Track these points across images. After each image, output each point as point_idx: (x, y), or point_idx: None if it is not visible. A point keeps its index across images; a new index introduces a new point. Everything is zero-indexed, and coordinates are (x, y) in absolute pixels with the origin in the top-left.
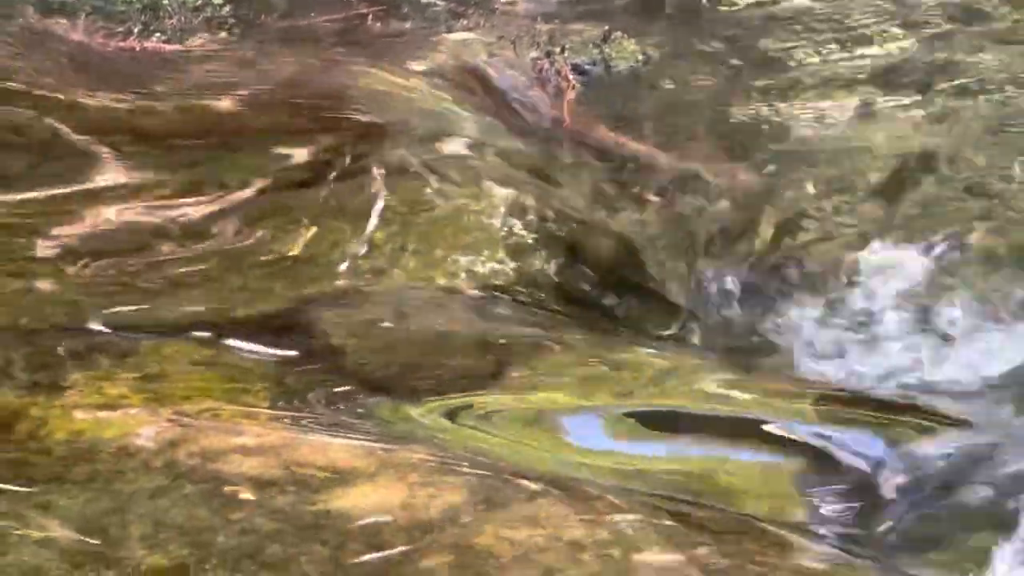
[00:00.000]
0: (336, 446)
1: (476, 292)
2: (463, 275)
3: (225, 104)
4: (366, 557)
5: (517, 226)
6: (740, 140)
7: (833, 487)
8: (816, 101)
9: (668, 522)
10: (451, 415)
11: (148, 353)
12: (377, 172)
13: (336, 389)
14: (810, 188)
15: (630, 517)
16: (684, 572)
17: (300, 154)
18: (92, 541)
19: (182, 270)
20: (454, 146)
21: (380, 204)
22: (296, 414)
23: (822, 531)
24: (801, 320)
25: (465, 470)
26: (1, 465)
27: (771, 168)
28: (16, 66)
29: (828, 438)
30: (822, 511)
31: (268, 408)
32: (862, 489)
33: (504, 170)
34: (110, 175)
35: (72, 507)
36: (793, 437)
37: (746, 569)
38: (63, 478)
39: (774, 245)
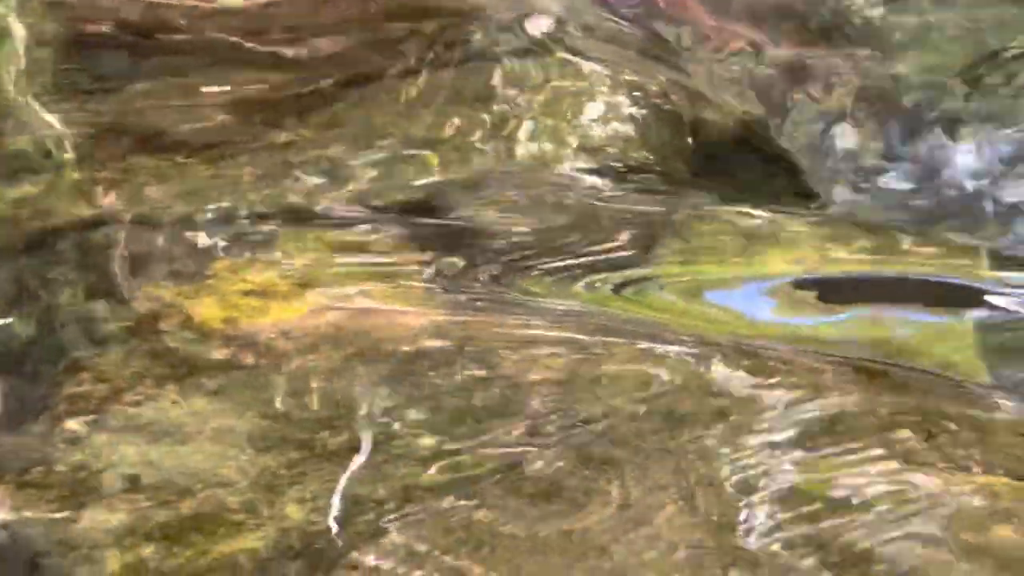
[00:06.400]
0: (494, 322)
1: (605, 169)
2: (588, 153)
3: None
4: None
5: (628, 103)
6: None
7: (1012, 345)
8: None
9: (851, 375)
10: (612, 289)
11: (288, 240)
12: (485, 54)
13: (483, 268)
14: None
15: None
16: (873, 421)
17: (402, 42)
18: (273, 425)
19: (309, 155)
20: (552, 25)
21: (495, 86)
22: (451, 294)
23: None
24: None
25: (642, 344)
26: (159, 357)
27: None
28: None
29: (1011, 295)
30: (1007, 372)
31: (421, 286)
32: None
33: (610, 48)
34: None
35: (244, 393)
36: (975, 296)
37: (936, 422)
38: (228, 366)
39: None
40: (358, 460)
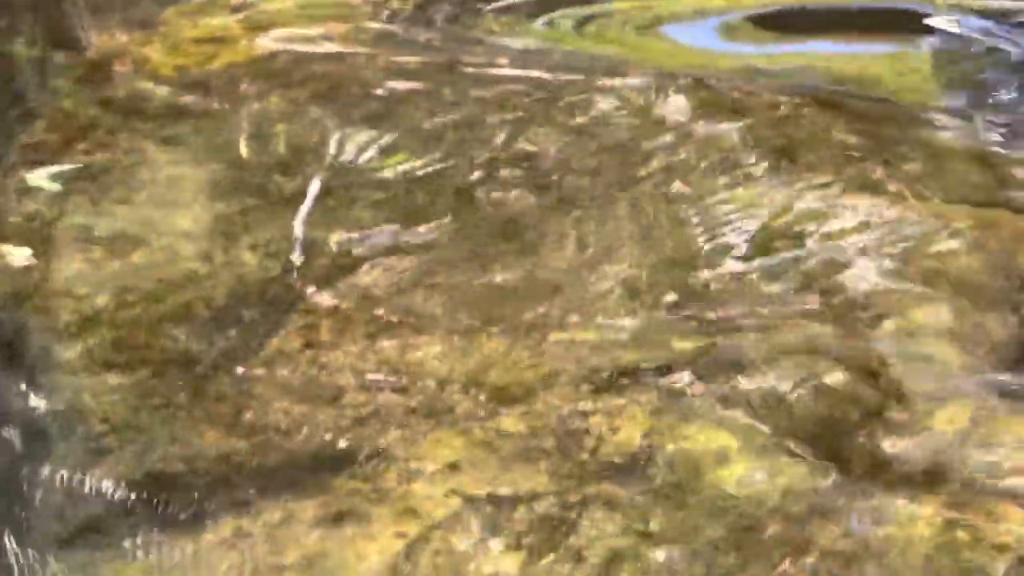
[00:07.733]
0: (453, 61)
1: None
2: None
3: None
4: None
5: None
6: None
7: (965, 71)
8: None
9: (807, 105)
10: (572, 25)
11: None
12: None
13: (439, 7)
14: None
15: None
16: (830, 152)
17: None
18: (227, 172)
19: None
20: None
21: None
22: (409, 35)
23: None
24: None
25: (601, 80)
26: (112, 106)
27: None
28: None
29: (960, 22)
30: (961, 98)
31: (379, 27)
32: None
33: None
34: None
35: (198, 140)
36: (926, 23)
37: (893, 151)
38: (181, 114)
39: None
40: (309, 203)
